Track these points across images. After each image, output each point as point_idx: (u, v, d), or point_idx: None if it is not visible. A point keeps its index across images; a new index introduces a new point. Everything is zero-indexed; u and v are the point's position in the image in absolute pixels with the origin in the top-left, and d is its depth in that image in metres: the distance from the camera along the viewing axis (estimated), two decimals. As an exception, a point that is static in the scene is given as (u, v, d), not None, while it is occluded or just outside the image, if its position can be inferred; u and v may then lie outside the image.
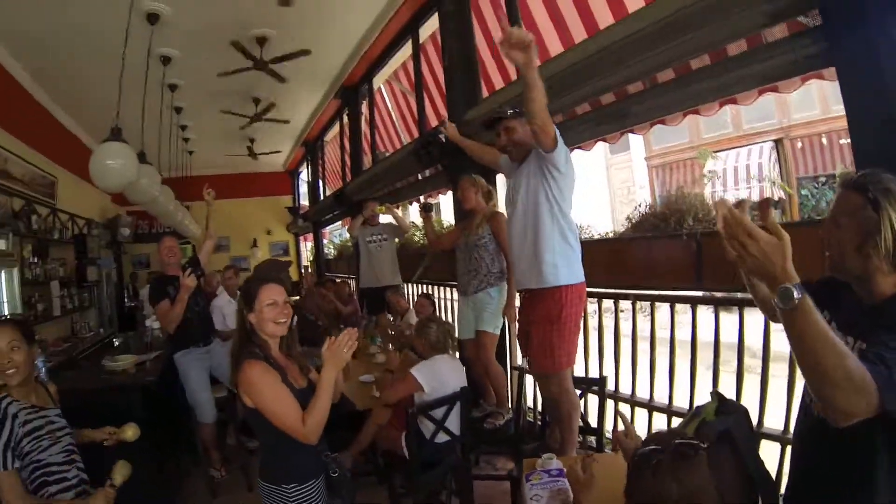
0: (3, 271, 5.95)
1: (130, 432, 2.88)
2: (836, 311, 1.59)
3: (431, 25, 6.12)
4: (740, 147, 14.00)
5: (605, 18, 4.02)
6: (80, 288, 9.48)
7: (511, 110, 3.43)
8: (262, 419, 2.27)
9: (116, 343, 7.06)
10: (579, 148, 4.37)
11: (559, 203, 3.21)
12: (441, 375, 3.59)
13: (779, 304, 1.28)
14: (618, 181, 21.40)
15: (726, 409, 1.75)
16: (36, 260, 7.65)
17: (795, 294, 1.25)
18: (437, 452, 3.51)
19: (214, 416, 4.88)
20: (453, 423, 3.53)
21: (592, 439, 3.97)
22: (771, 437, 3.08)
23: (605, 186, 21.50)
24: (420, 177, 6.80)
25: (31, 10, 5.24)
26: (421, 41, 6.48)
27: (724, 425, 1.51)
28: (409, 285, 7.41)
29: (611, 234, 4.59)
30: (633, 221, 4.10)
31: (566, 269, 3.23)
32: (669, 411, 3.82)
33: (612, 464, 2.13)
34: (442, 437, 3.50)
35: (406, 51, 6.94)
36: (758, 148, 13.50)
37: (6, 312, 5.88)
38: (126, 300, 12.26)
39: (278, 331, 2.42)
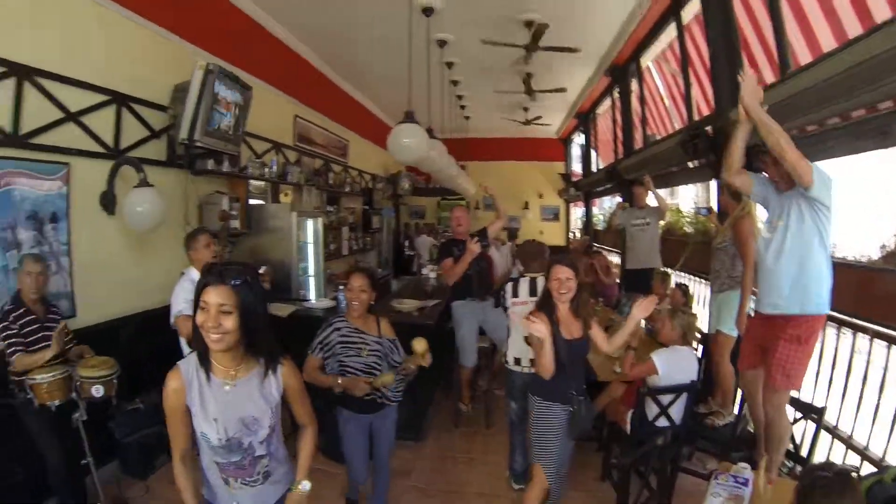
0: (311, 219, 7.18)
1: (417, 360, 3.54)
2: None
3: (695, 6, 5.67)
4: None
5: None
6: (364, 233, 11.10)
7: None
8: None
9: (394, 286, 8.13)
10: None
11: (826, 233, 3.14)
12: (677, 365, 3.73)
13: None
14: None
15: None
16: (331, 209, 9.29)
17: None
18: (654, 435, 3.68)
19: (474, 362, 5.58)
20: (677, 411, 3.68)
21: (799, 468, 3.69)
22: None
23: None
24: (691, 164, 6.33)
25: (326, 9, 6.31)
26: (685, 22, 6.00)
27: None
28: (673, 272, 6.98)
29: (859, 259, 4.35)
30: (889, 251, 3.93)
31: (827, 298, 3.20)
32: (880, 465, 3.51)
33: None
34: (663, 422, 3.68)
35: (672, 31, 6.46)
36: None
37: (310, 251, 7.21)
38: (405, 249, 13.47)
39: (561, 299, 3.32)
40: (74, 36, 4.04)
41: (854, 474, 1.57)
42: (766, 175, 3.39)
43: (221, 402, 1.98)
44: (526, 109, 11.36)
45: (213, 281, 1.87)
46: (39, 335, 3.36)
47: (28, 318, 3.34)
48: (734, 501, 2.40)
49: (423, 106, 6.80)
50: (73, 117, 4.04)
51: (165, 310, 3.86)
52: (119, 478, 4.12)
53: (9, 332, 3.26)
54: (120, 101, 4.47)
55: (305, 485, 2.19)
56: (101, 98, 4.28)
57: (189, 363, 1.99)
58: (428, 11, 6.04)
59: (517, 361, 4.18)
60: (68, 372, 3.33)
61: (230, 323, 1.87)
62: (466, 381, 5.71)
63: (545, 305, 3.35)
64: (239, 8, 6.01)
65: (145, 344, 4.28)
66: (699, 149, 5.22)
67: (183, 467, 2.07)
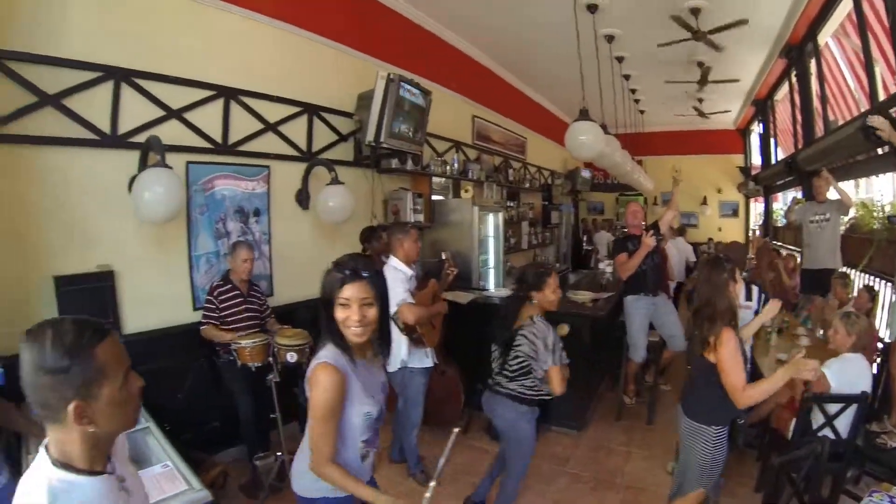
0: (492, 213, 7.38)
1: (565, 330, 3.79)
2: None
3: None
4: None
5: None
6: (543, 228, 11.23)
7: None
8: (714, 371, 2.84)
9: (572, 279, 8.18)
10: None
11: None
12: (850, 375, 3.40)
13: None
14: None
15: None
16: (511, 204, 9.52)
17: None
18: (815, 446, 3.30)
19: (643, 358, 5.55)
20: (844, 424, 3.36)
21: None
22: None
23: None
24: (880, 151, 5.64)
25: (495, 14, 6.55)
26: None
27: None
28: (855, 273, 6.43)
29: None
30: None
31: None
32: None
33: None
34: (828, 435, 3.34)
35: (848, 4, 5.79)
36: None
37: (491, 244, 7.41)
38: (584, 243, 13.38)
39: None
40: (269, 59, 4.74)
41: None
42: None
43: (370, 380, 2.10)
44: (700, 101, 10.79)
45: (351, 278, 1.98)
46: (242, 307, 4.02)
47: (233, 294, 4.00)
48: None
49: (597, 102, 6.81)
50: (271, 127, 4.74)
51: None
52: (297, 435, 4.69)
53: (209, 305, 3.95)
54: (311, 111, 5.11)
55: None
56: (294, 109, 4.95)
57: (334, 355, 2.01)
58: (592, 8, 6.05)
59: None
60: (267, 340, 3.91)
61: (372, 314, 1.99)
62: (633, 375, 5.70)
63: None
64: (416, 23, 6.54)
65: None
66: (882, 137, 4.73)
67: (337, 467, 2.01)
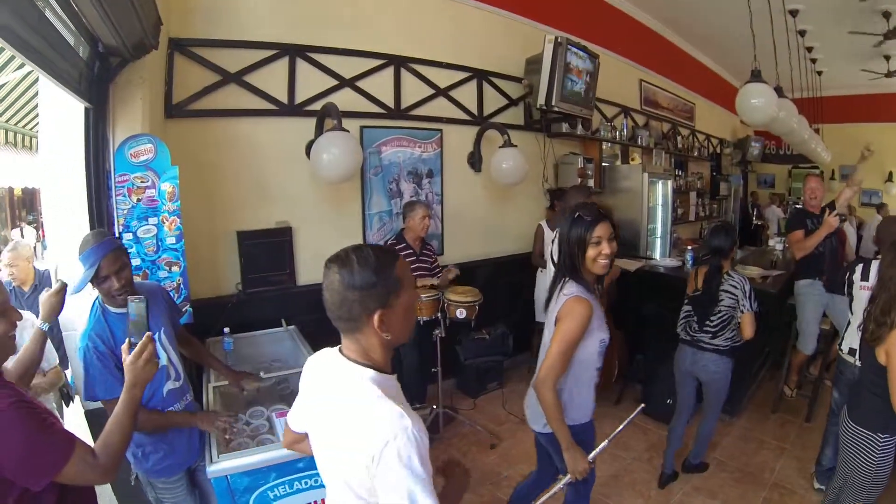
0: (661, 182, 7.05)
1: None
2: None
3: None
4: None
5: None
6: (711, 199, 10.49)
7: None
8: (884, 373, 2.37)
9: (739, 255, 7.70)
10: None
11: None
12: None
13: None
14: None
15: None
16: (679, 173, 8.98)
17: None
18: None
19: (813, 349, 4.98)
20: None
21: None
22: None
23: None
24: None
25: None
26: None
27: None
28: None
29: None
30: None
31: None
32: None
33: None
34: None
35: None
36: None
37: (659, 213, 7.08)
38: (753, 218, 12.17)
39: None
40: (438, 26, 4.80)
41: None
42: None
43: (599, 312, 2.33)
44: (888, 58, 9.19)
45: (600, 219, 2.28)
46: (415, 265, 4.12)
47: (406, 252, 4.10)
48: None
49: (770, 63, 6.14)
50: (442, 92, 4.80)
51: (518, 257, 4.36)
52: (453, 392, 4.90)
53: None
54: (480, 76, 5.10)
55: None
56: (464, 75, 4.97)
57: (581, 290, 2.27)
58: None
59: (852, 352, 3.53)
60: (438, 295, 4.00)
61: (615, 247, 2.29)
62: (798, 366, 5.14)
63: None
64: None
65: (497, 285, 4.85)
66: None
67: (556, 395, 2.26)
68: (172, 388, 2.34)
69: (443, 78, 4.79)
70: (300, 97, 3.96)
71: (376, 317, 1.34)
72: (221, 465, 2.19)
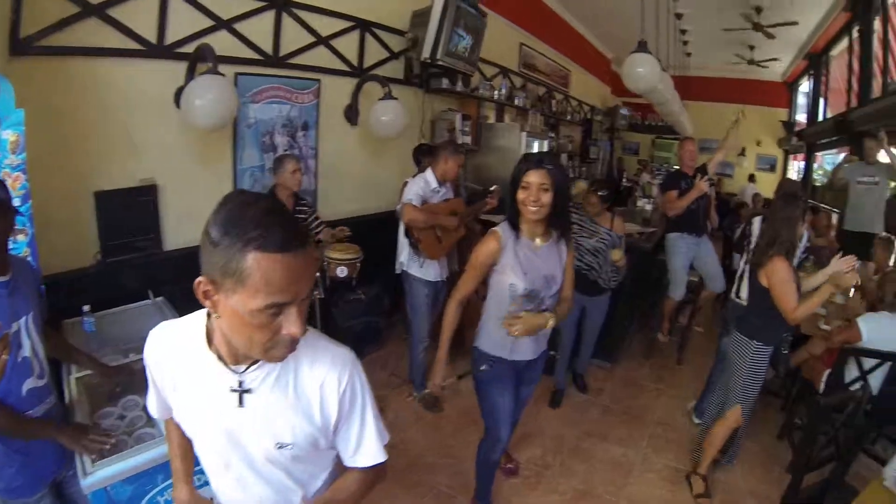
0: (537, 141, 7.15)
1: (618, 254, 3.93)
2: None
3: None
4: None
5: None
6: (581, 162, 10.99)
7: None
8: (767, 294, 2.98)
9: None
10: None
11: None
12: (884, 331, 3.37)
13: None
14: None
15: None
16: (552, 135, 9.26)
17: None
18: (848, 400, 3.19)
19: (682, 295, 5.42)
20: (875, 382, 3.37)
21: None
22: None
23: None
24: None
25: None
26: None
27: None
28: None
29: None
30: None
31: None
32: None
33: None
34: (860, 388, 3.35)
35: None
36: None
37: None
38: (623, 181, 12.76)
39: None
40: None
41: None
42: None
43: (530, 259, 2.38)
44: (752, 48, 10.18)
45: (534, 165, 2.25)
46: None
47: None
48: None
49: (649, 39, 6.35)
50: (323, 41, 4.49)
51: (394, 213, 4.21)
52: None
53: None
54: (364, 26, 4.85)
55: (552, 321, 2.45)
56: (347, 24, 4.68)
57: (504, 229, 2.38)
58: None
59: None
60: (316, 254, 3.79)
61: (547, 198, 2.24)
62: (669, 313, 5.60)
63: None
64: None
65: (373, 243, 4.72)
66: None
67: (457, 310, 2.54)
68: (34, 387, 1.84)
69: (325, 26, 4.47)
70: (172, 37, 3.42)
71: (198, 280, 1.03)
72: (98, 476, 1.83)
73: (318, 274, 3.79)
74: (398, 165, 5.39)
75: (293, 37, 4.24)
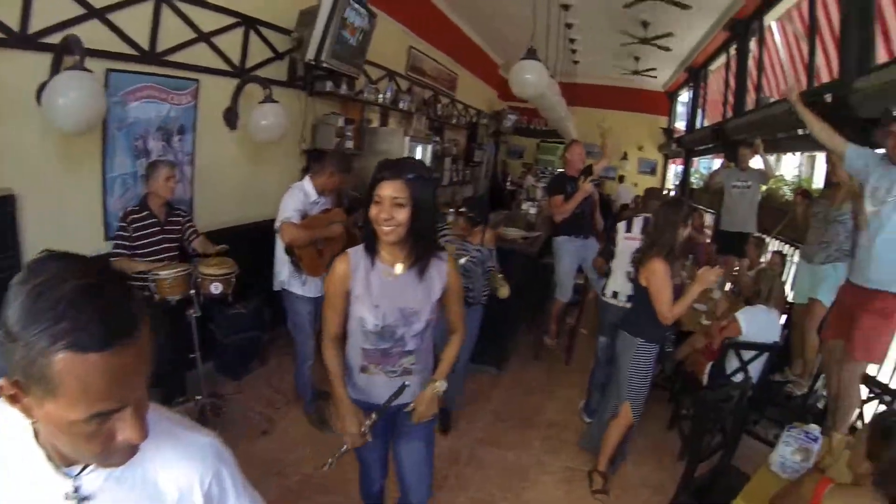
0: (420, 145, 7.08)
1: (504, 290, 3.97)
2: None
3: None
4: None
5: None
6: (465, 165, 11.04)
7: None
8: (646, 293, 3.18)
9: (492, 218, 8.16)
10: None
11: None
12: (760, 324, 3.75)
13: None
14: None
15: None
16: (437, 139, 9.20)
17: None
18: (731, 390, 3.44)
19: (569, 297, 5.60)
20: (755, 370, 3.69)
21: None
22: None
23: None
24: (801, 132, 5.72)
25: None
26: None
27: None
28: (768, 239, 6.69)
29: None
30: None
31: None
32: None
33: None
34: (740, 377, 3.64)
35: None
36: None
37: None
38: (507, 184, 13.41)
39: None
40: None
41: None
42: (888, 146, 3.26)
43: (384, 289, 2.01)
44: (637, 59, 10.71)
45: (389, 175, 1.88)
46: (158, 237, 3.54)
47: (149, 221, 3.49)
48: (803, 453, 2.46)
49: (538, 46, 6.52)
50: (204, 38, 4.14)
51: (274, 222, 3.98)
52: (215, 376, 4.41)
53: (121, 233, 3.42)
54: (249, 23, 4.54)
55: (442, 384, 2.20)
56: (231, 20, 4.35)
57: (357, 251, 2.03)
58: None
59: (615, 295, 4.13)
60: (189, 269, 3.46)
61: (402, 215, 1.88)
62: (556, 314, 5.74)
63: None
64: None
65: (253, 253, 4.46)
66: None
67: (333, 351, 2.13)
68: None
69: (208, 21, 4.11)
70: (36, 25, 2.97)
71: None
72: None
73: (192, 291, 3.50)
74: (279, 172, 5.13)
75: (172, 31, 3.85)
